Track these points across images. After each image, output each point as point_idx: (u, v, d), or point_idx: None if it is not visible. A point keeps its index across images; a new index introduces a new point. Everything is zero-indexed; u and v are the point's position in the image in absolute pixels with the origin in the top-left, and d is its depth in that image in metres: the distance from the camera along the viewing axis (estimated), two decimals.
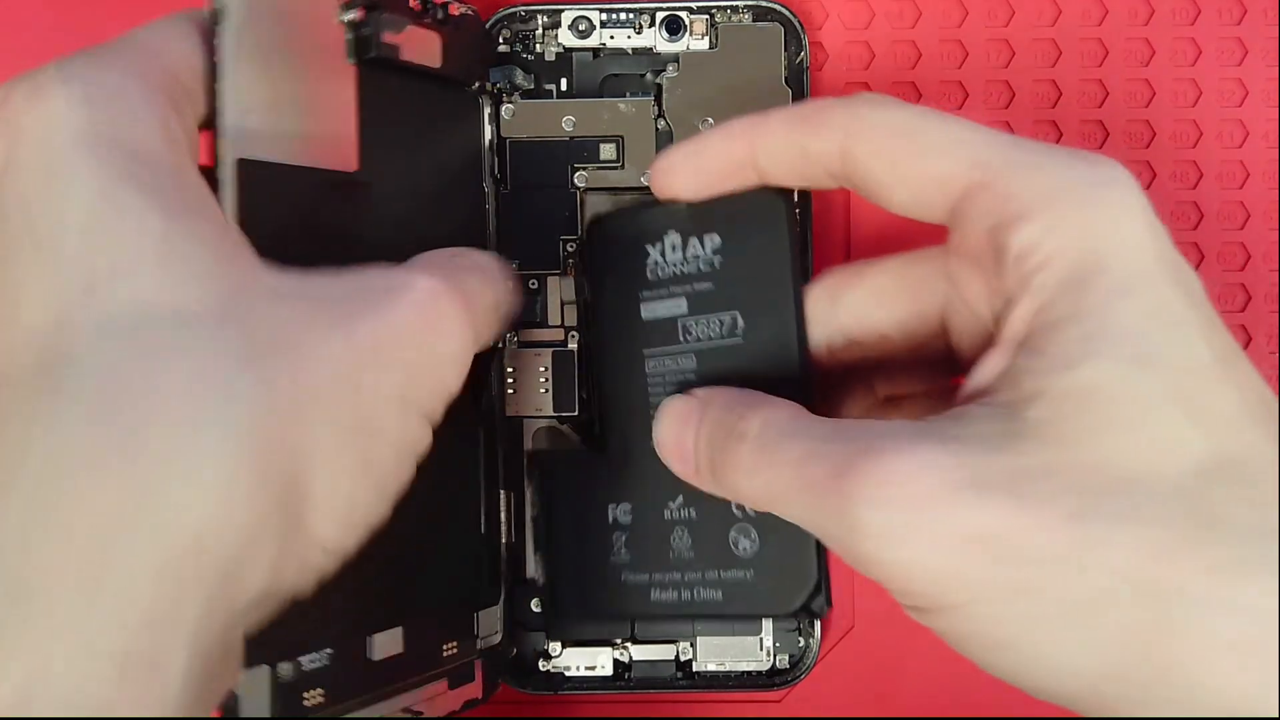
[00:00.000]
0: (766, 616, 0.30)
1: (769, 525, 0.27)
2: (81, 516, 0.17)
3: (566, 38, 0.34)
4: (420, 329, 0.22)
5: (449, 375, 0.23)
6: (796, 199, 0.33)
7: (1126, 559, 0.20)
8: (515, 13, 0.34)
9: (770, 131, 0.26)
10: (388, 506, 0.21)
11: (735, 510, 0.28)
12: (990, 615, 0.21)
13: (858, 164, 0.24)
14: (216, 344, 0.18)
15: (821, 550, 0.27)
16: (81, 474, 0.17)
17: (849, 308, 0.27)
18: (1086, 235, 0.22)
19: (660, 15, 0.33)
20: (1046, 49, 0.36)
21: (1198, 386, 0.21)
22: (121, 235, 0.19)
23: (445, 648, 0.30)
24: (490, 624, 0.32)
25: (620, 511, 0.29)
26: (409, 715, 0.29)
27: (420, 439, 0.22)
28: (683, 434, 0.26)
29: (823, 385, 0.29)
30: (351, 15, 0.28)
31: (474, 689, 0.31)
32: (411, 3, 0.30)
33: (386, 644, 0.28)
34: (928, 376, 0.28)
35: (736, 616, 0.29)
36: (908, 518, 0.20)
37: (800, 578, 0.27)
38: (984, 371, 0.23)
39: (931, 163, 0.24)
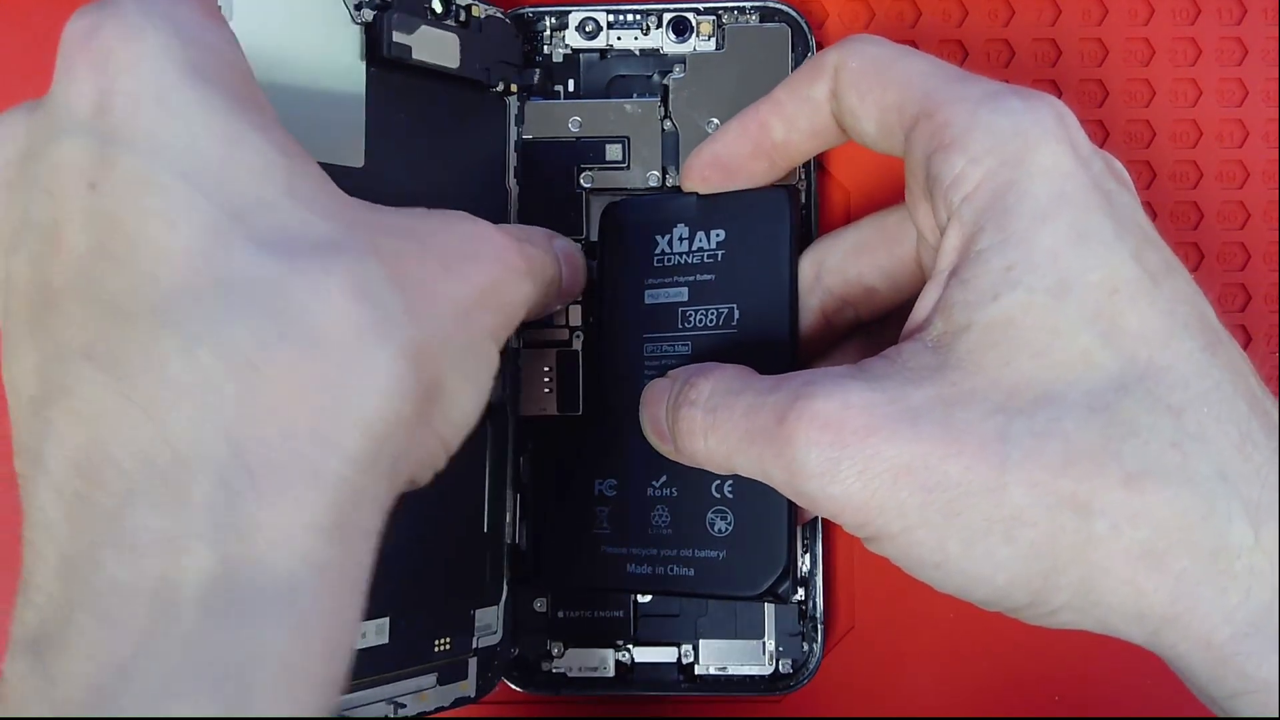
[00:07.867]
0: (734, 598, 0.30)
1: (745, 509, 0.28)
2: (291, 411, 0.19)
3: (574, 39, 0.34)
4: (502, 278, 0.25)
5: (515, 317, 0.25)
6: (802, 201, 0.33)
7: (1045, 474, 0.21)
8: (523, 14, 0.34)
9: (777, 98, 0.27)
10: (480, 414, 0.24)
11: (714, 492, 0.29)
12: (927, 540, 0.22)
13: (840, 99, 0.26)
14: (364, 268, 0.21)
15: (792, 537, 0.28)
16: (278, 375, 0.19)
17: (834, 266, 0.29)
18: (1009, 163, 0.23)
19: (667, 16, 0.34)
20: (1046, 49, 0.36)
21: (1120, 306, 0.22)
22: (252, 169, 0.20)
23: (437, 643, 0.30)
24: (488, 623, 0.32)
25: (606, 486, 0.31)
26: (392, 707, 0.29)
27: (497, 361, 0.25)
28: (659, 412, 0.27)
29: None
30: (363, 16, 0.28)
31: (465, 686, 0.31)
32: (432, 5, 0.30)
33: (370, 633, 0.28)
34: None
35: (706, 595, 0.30)
36: (840, 453, 0.22)
37: (770, 562, 0.28)
38: (922, 305, 0.24)
39: (891, 93, 0.25)
